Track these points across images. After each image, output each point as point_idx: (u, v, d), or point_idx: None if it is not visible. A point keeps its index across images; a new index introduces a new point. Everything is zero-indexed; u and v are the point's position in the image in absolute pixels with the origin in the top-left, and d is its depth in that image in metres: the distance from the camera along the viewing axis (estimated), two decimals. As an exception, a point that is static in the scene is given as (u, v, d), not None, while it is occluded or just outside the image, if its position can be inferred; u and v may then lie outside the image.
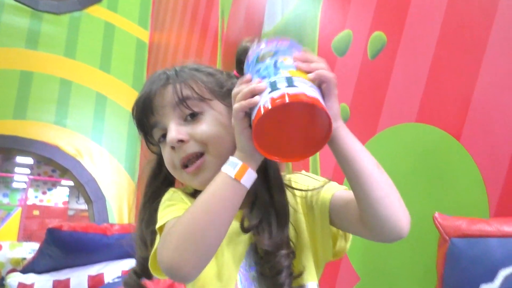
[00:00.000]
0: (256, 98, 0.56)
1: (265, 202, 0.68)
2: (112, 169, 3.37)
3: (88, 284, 1.87)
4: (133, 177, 3.44)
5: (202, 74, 0.72)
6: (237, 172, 0.58)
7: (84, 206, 10.50)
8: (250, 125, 0.58)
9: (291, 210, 0.71)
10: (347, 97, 1.20)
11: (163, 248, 0.58)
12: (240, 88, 0.58)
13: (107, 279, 1.84)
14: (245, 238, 0.69)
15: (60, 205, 10.47)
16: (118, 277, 1.78)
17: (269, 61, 0.58)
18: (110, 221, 3.18)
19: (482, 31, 0.87)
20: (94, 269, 1.90)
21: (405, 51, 1.05)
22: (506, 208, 0.79)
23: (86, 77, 3.48)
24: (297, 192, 0.73)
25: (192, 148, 0.67)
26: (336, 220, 0.69)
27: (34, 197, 10.40)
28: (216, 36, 2.21)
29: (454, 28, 0.94)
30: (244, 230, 0.67)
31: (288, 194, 0.72)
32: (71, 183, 10.01)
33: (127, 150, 3.47)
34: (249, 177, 0.59)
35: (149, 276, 0.73)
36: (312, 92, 0.55)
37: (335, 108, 0.59)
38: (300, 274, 0.68)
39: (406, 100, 1.02)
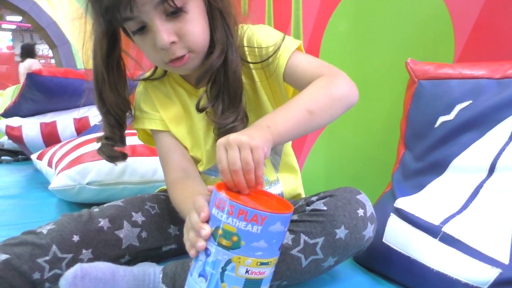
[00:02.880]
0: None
1: (220, 84, 0.74)
2: (73, 12, 3.18)
3: (75, 127, 1.98)
4: (96, 21, 3.28)
5: None
6: None
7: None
8: None
9: (247, 86, 0.78)
10: None
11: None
12: (190, 236, 0.54)
13: (93, 121, 1.94)
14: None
15: (5, 50, 9.92)
16: (103, 119, 1.88)
17: (221, 256, 0.49)
18: (78, 66, 3.15)
19: None
20: (78, 113, 1.99)
21: None
22: (468, 55, 0.91)
23: None
24: (253, 57, 0.76)
25: (180, 51, 0.69)
26: (291, 84, 0.76)
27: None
28: None
29: None
30: (199, 110, 0.75)
31: (245, 69, 0.77)
32: (13, 26, 9.30)
33: (86, -10, 3.23)
34: None
35: (123, 143, 0.82)
36: None
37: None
38: None
39: None
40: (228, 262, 0.49)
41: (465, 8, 0.91)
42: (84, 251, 0.73)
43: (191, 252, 0.53)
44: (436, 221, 0.73)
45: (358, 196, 0.69)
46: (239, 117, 0.73)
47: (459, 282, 0.65)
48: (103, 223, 0.77)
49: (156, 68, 0.85)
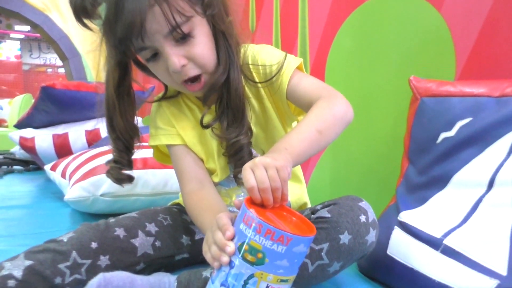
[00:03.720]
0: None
1: (224, 101, 0.78)
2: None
3: (86, 138, 2.03)
4: (106, 34, 3.34)
5: None
6: None
7: (39, 61, 10.14)
8: None
9: (254, 102, 0.84)
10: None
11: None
12: (213, 250, 0.57)
13: (104, 133, 1.99)
14: None
15: (13, 59, 10.05)
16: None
17: (244, 270, 0.52)
18: (88, 78, 3.21)
19: None
20: (90, 125, 2.03)
21: None
22: (469, 72, 0.95)
23: None
24: (258, 75, 0.81)
25: (192, 72, 0.74)
26: (292, 102, 0.81)
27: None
28: None
29: None
30: (204, 126, 0.80)
31: (251, 86, 0.82)
32: (21, 36, 9.40)
33: (98, 4, 3.30)
34: None
35: (131, 167, 0.87)
36: None
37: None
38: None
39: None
40: (251, 276, 0.52)
41: (466, 27, 0.94)
42: (102, 257, 0.77)
43: (215, 264, 0.56)
44: (437, 234, 0.76)
45: (360, 203, 0.72)
46: (243, 131, 0.78)
47: (460, 292, 0.68)
48: (119, 231, 0.81)
49: (167, 87, 0.89)
